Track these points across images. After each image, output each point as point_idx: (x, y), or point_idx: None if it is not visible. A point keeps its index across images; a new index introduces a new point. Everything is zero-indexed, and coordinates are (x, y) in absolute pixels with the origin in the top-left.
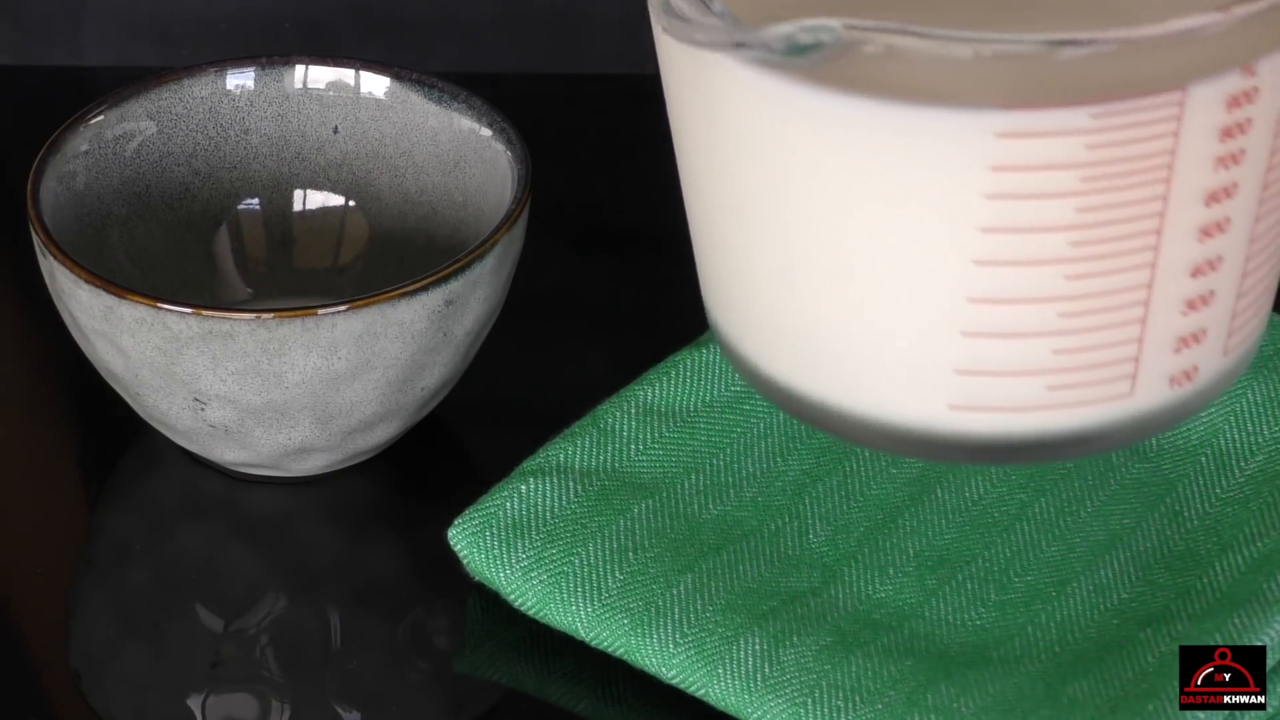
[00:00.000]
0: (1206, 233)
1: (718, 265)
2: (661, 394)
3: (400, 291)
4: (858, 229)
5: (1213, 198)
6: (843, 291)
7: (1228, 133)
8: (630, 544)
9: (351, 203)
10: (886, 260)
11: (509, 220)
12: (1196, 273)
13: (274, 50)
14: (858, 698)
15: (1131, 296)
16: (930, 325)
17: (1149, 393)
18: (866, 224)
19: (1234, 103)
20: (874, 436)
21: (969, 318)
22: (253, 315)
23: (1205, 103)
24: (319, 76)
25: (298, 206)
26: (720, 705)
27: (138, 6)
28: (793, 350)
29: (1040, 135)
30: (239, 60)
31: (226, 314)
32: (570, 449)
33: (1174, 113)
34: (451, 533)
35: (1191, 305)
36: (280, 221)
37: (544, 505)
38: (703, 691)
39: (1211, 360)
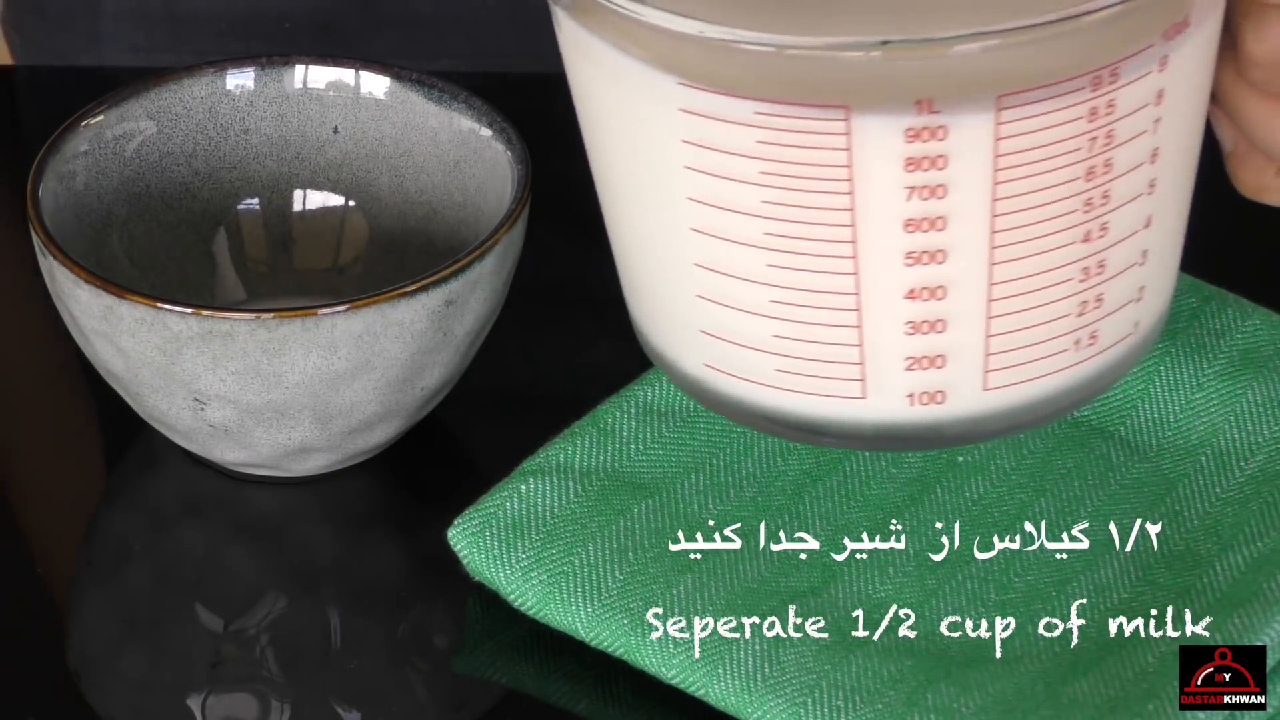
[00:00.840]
0: (914, 259)
1: None
2: (661, 394)
3: (400, 291)
4: (617, 174)
5: (913, 225)
6: (627, 234)
7: (914, 163)
8: (630, 544)
9: (351, 203)
10: (640, 211)
11: (509, 220)
12: (912, 296)
13: (288, 49)
14: (858, 698)
15: (838, 301)
16: (676, 282)
17: (885, 404)
18: (621, 172)
19: (914, 135)
20: (668, 374)
21: (699, 282)
22: (252, 315)
23: (875, 128)
24: (319, 76)
25: (298, 206)
26: (720, 705)
27: (156, 4)
28: (626, 284)
29: (713, 119)
30: (239, 60)
31: (226, 314)
32: (570, 449)
33: (840, 129)
34: (451, 533)
35: (915, 327)
36: (280, 221)
37: (544, 505)
38: (703, 691)
39: (966, 391)
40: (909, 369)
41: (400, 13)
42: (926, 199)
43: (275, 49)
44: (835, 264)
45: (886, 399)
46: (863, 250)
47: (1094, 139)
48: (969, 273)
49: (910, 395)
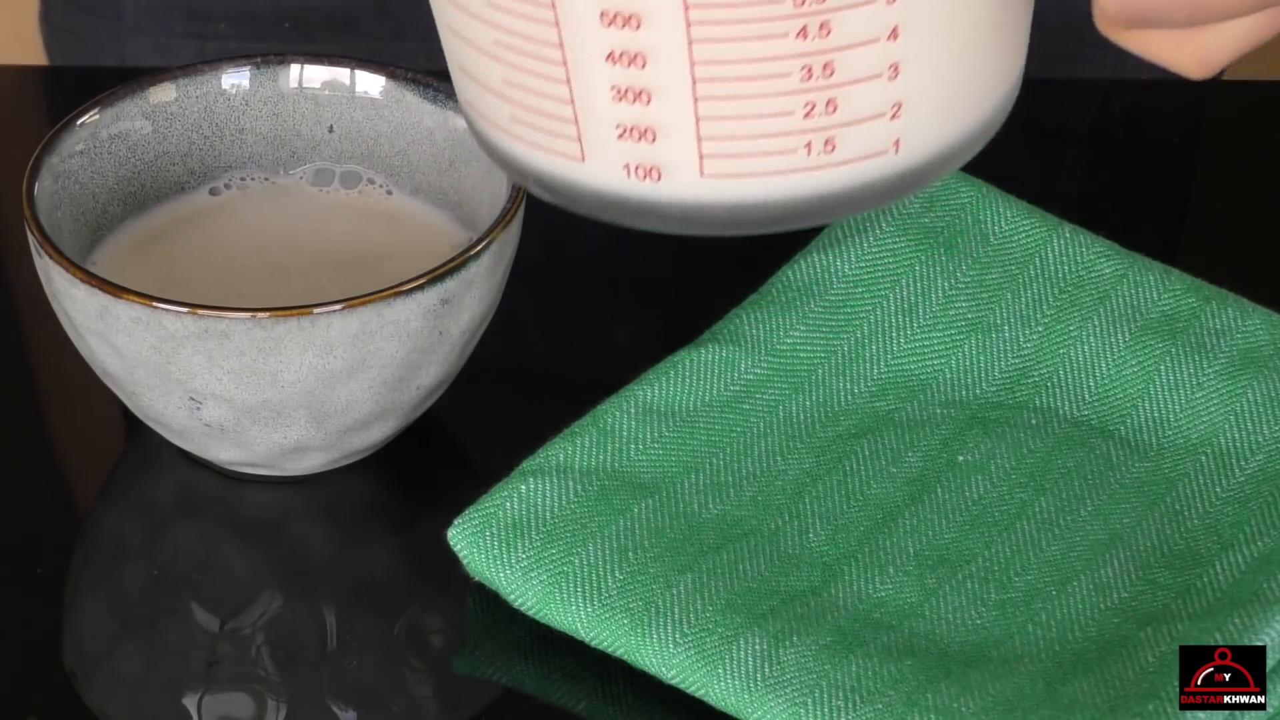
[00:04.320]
0: (609, 19)
1: None
2: (661, 393)
3: (396, 290)
4: None
5: None
6: None
7: None
8: (630, 544)
9: None
10: None
11: (504, 219)
12: (611, 59)
13: (294, 45)
14: (858, 698)
15: (546, 53)
16: (438, 14)
17: (603, 171)
18: None
19: None
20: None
21: (445, 17)
22: (248, 314)
23: None
24: (314, 75)
25: None
26: (720, 705)
27: (175, 4)
28: None
29: None
30: (234, 59)
31: (222, 313)
32: (570, 449)
33: None
34: (451, 533)
35: (620, 94)
36: None
37: (544, 505)
38: (703, 691)
39: (683, 173)
40: (621, 138)
41: (413, 13)
42: None
43: (298, 48)
44: (538, 11)
45: (604, 166)
46: (560, 3)
47: None
48: (667, 43)
49: (626, 166)
